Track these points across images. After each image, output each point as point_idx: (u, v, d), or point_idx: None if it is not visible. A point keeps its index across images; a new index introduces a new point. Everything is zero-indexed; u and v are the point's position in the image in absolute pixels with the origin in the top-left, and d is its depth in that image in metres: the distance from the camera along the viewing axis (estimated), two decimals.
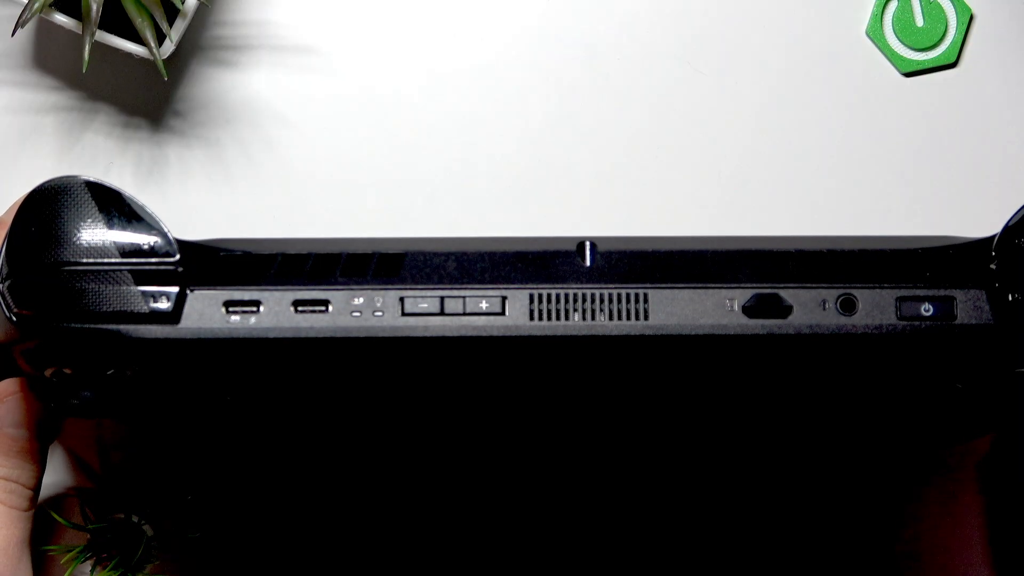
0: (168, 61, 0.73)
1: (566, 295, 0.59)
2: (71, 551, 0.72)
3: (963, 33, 0.78)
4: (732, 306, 0.59)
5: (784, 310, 0.59)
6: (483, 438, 0.74)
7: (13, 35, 0.71)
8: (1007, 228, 0.61)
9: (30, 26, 0.77)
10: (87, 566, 0.73)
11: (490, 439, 0.74)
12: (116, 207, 0.60)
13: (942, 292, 0.60)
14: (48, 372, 0.61)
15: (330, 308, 0.59)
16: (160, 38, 0.72)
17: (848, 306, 0.59)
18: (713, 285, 0.60)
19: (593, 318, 0.59)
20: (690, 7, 0.78)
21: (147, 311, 0.59)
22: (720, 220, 0.77)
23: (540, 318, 0.59)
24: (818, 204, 0.77)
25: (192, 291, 0.59)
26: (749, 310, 0.59)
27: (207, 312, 0.59)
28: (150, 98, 0.77)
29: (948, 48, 0.78)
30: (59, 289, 0.58)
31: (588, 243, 0.60)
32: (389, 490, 0.75)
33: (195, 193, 0.77)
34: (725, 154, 0.78)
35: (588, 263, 0.60)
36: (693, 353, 0.60)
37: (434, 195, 0.77)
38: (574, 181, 0.77)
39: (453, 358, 0.60)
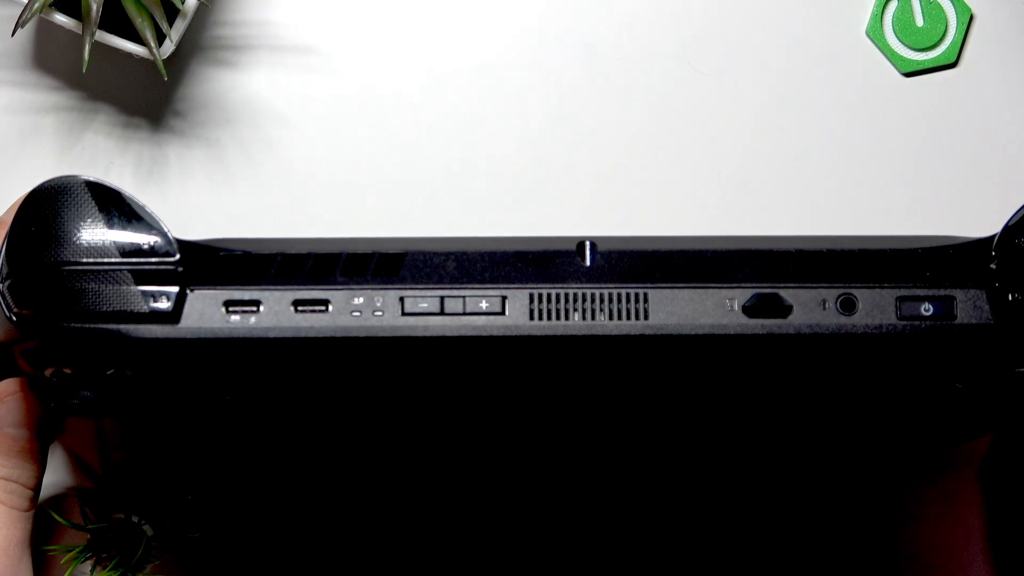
0: (168, 61, 0.73)
1: (566, 295, 0.59)
2: (71, 551, 0.72)
3: (963, 33, 0.78)
4: (732, 306, 0.59)
5: (784, 310, 0.59)
6: (483, 438, 0.74)
7: (13, 35, 0.71)
8: (1007, 228, 0.61)
9: (30, 26, 0.77)
10: (87, 566, 0.73)
11: (490, 439, 0.74)
12: (116, 207, 0.60)
13: (942, 292, 0.60)
14: (48, 372, 0.61)
15: (330, 308, 0.59)
16: (160, 38, 0.72)
17: (848, 306, 0.59)
18: (713, 285, 0.60)
19: (593, 318, 0.59)
20: (690, 7, 0.78)
21: (147, 311, 0.59)
22: (720, 220, 0.77)
23: (540, 318, 0.59)
24: (818, 204, 0.77)
25: (192, 291, 0.59)
26: (749, 310, 0.59)
27: (207, 312, 0.59)
28: (150, 98, 0.77)
29: (948, 48, 0.78)
30: (59, 289, 0.58)
31: (588, 243, 0.60)
32: (389, 490, 0.75)
33: (195, 193, 0.77)
34: (725, 154, 0.78)
35: (588, 263, 0.60)
36: (693, 353, 0.60)
37: (434, 195, 0.77)
38: (574, 181, 0.77)
39: (453, 358, 0.60)
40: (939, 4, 0.78)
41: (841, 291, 0.60)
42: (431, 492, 0.75)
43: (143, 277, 0.59)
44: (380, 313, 0.59)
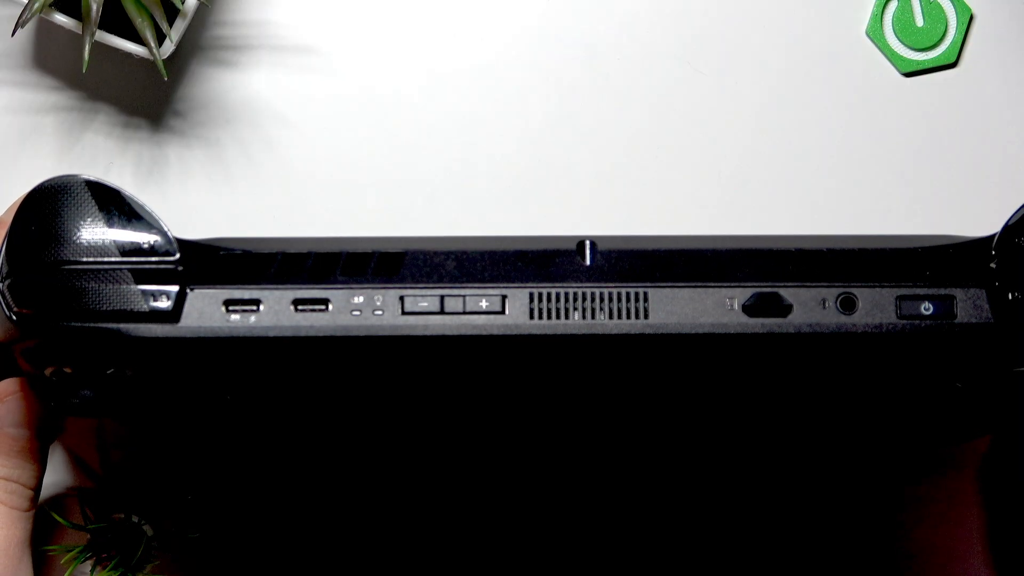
0: (168, 61, 0.73)
1: (566, 294, 0.59)
2: (71, 551, 0.72)
3: (963, 33, 0.78)
4: (732, 305, 0.59)
5: (784, 309, 0.59)
6: (483, 437, 0.74)
7: (13, 35, 0.71)
8: (1007, 227, 0.61)
9: (30, 26, 0.77)
10: (87, 566, 0.73)
11: (490, 438, 0.74)
12: (116, 206, 0.60)
13: (942, 291, 0.60)
14: (48, 371, 0.61)
15: (330, 307, 0.59)
16: (160, 38, 0.72)
17: (848, 305, 0.59)
18: (713, 284, 0.60)
19: (593, 317, 0.59)
20: (690, 7, 0.78)
21: (147, 310, 0.59)
22: (720, 220, 0.77)
23: (540, 317, 0.59)
24: (818, 204, 0.77)
25: (192, 290, 0.59)
26: (749, 309, 0.59)
27: (207, 311, 0.59)
28: (150, 98, 0.77)
29: (948, 48, 0.78)
30: (59, 288, 0.58)
31: (588, 242, 0.60)
32: (389, 489, 0.75)
33: (195, 193, 0.77)
34: (725, 154, 0.78)
35: (588, 262, 0.60)
36: (693, 352, 0.60)
37: (434, 195, 0.77)
38: (574, 181, 0.77)
39: (453, 357, 0.60)
40: (939, 4, 0.78)
41: (841, 290, 0.60)
42: (431, 492, 0.75)
43: (143, 276, 0.59)
44: (380, 312, 0.59)
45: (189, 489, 0.75)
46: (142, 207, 0.60)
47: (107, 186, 0.60)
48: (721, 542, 0.76)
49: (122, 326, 0.58)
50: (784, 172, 0.78)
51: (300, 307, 0.59)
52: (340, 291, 0.59)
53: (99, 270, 0.59)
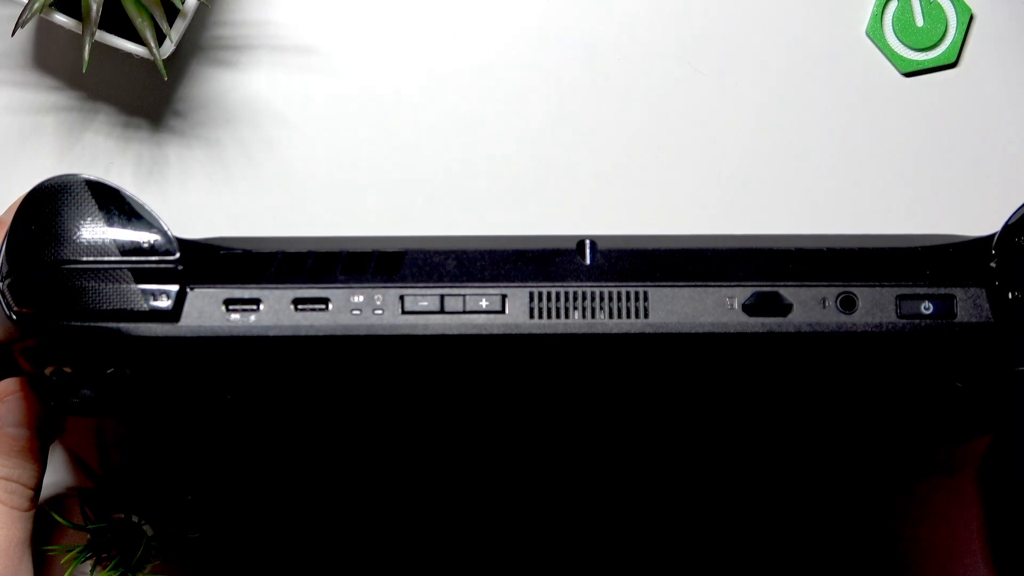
0: (168, 61, 0.73)
1: (566, 293, 0.59)
2: (71, 551, 0.72)
3: (963, 33, 0.78)
4: (732, 304, 0.59)
5: (784, 308, 0.59)
6: (483, 436, 0.74)
7: (13, 35, 0.71)
8: (1007, 226, 0.61)
9: (30, 26, 0.77)
10: (87, 566, 0.73)
11: (490, 437, 0.74)
12: (116, 205, 0.60)
13: (942, 290, 0.60)
14: (48, 370, 0.61)
15: (330, 306, 0.59)
16: (160, 38, 0.72)
17: (848, 304, 0.59)
18: (713, 283, 0.60)
19: (593, 316, 0.59)
20: (690, 7, 0.78)
21: (147, 309, 0.59)
22: (720, 220, 0.77)
23: (540, 316, 0.59)
24: (818, 204, 0.77)
25: (192, 289, 0.59)
26: (749, 308, 0.59)
27: (207, 310, 0.59)
28: (150, 98, 0.77)
29: (948, 48, 0.78)
30: (59, 287, 0.58)
31: (588, 241, 0.60)
32: (389, 489, 0.75)
33: (195, 193, 0.77)
34: (725, 154, 0.78)
35: (588, 261, 0.60)
36: (693, 351, 0.60)
37: (434, 195, 0.77)
38: (574, 181, 0.77)
39: (453, 356, 0.60)
40: (939, 4, 0.78)
41: (841, 289, 0.60)
42: (431, 491, 0.75)
43: (143, 275, 0.59)
44: (380, 312, 0.59)
45: (189, 489, 0.75)
46: (142, 206, 0.60)
47: (107, 185, 0.60)
48: (721, 541, 0.76)
49: (122, 325, 0.58)
50: (784, 172, 0.78)
51: (300, 306, 0.59)
52: (340, 290, 0.59)
53: (99, 269, 0.59)
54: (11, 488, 0.67)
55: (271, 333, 0.59)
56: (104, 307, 0.58)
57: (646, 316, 0.59)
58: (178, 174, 0.77)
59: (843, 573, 0.76)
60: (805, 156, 0.78)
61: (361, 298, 0.59)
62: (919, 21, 0.78)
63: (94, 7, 0.70)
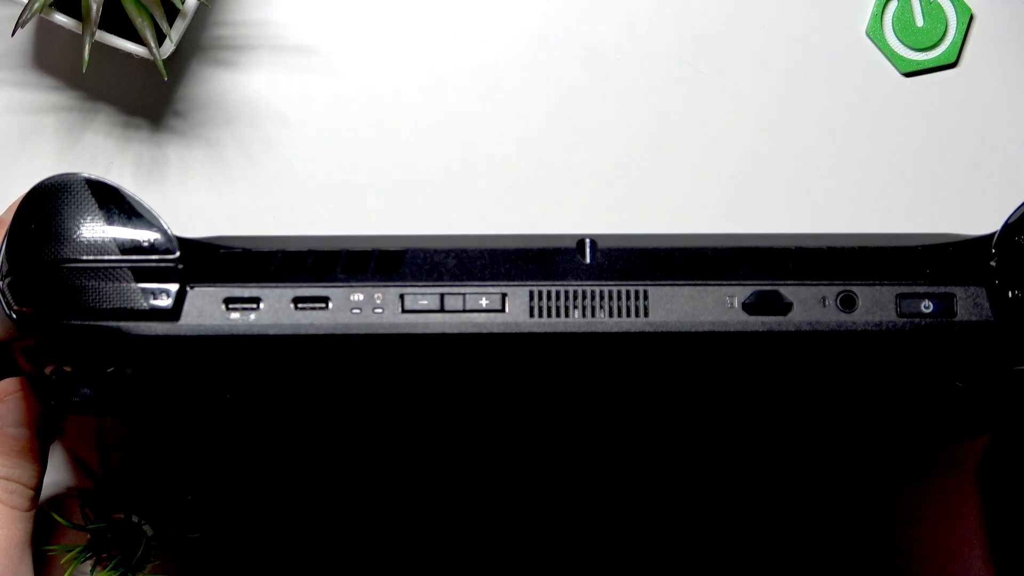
0: (168, 61, 0.73)
1: (566, 292, 0.59)
2: (71, 551, 0.72)
3: (963, 33, 0.78)
4: (732, 303, 0.59)
5: (784, 307, 0.59)
6: (483, 435, 0.74)
7: (13, 35, 0.71)
8: (1007, 225, 0.61)
9: (30, 26, 0.77)
10: (87, 566, 0.73)
11: (490, 436, 0.74)
12: (116, 204, 0.60)
13: (942, 289, 0.60)
14: (48, 370, 0.61)
15: (330, 305, 0.59)
16: (160, 38, 0.72)
17: (848, 303, 0.59)
18: (713, 282, 0.60)
19: (593, 315, 0.59)
20: (690, 7, 0.78)
21: (147, 308, 0.59)
22: (720, 220, 0.77)
23: (540, 315, 0.59)
24: (818, 204, 0.77)
25: (192, 288, 0.59)
26: (749, 307, 0.59)
27: (207, 309, 0.59)
28: (150, 98, 0.77)
29: (948, 48, 0.78)
30: (59, 286, 0.58)
31: (588, 240, 0.60)
32: (389, 488, 0.75)
33: (195, 193, 0.77)
34: (725, 154, 0.78)
35: (588, 260, 0.60)
36: (693, 350, 0.60)
37: (434, 195, 0.77)
38: (574, 181, 0.77)
39: (453, 355, 0.60)
40: (939, 4, 0.78)
41: (841, 288, 0.60)
42: (431, 490, 0.75)
43: (143, 274, 0.59)
44: (380, 310, 0.59)
45: (189, 489, 0.75)
46: (142, 205, 0.60)
47: (107, 184, 0.60)
48: (720, 540, 0.76)
49: (122, 324, 0.58)
50: (784, 172, 0.78)
51: (300, 305, 0.59)
52: (340, 289, 0.59)
53: (99, 268, 0.59)
54: (11, 488, 0.67)
55: (271, 332, 0.59)
56: (104, 306, 0.58)
57: (646, 315, 0.59)
58: (178, 174, 0.77)
59: (843, 573, 0.76)
60: (805, 156, 0.78)
61: (361, 297, 0.59)
62: (919, 21, 0.78)
63: (94, 7, 0.70)
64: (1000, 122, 0.78)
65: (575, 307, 0.59)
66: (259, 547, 0.76)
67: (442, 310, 0.59)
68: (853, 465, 0.76)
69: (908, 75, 0.78)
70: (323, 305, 0.59)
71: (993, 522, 0.75)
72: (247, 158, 0.77)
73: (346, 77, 0.78)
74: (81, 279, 0.58)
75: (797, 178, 0.77)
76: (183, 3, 0.71)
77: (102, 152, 0.77)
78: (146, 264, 0.59)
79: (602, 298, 0.59)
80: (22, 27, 0.70)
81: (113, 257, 0.59)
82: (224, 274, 0.59)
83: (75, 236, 0.59)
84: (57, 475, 0.75)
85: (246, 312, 0.59)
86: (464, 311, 0.59)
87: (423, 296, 0.59)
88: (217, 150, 0.77)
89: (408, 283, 0.59)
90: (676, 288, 0.59)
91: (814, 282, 0.60)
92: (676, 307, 0.59)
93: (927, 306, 0.59)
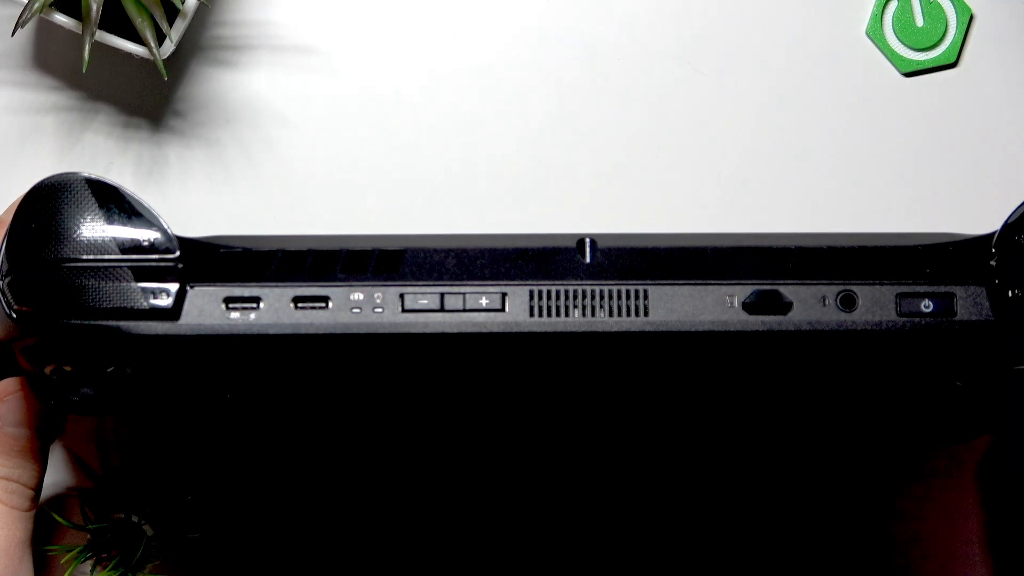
0: (168, 61, 0.73)
1: (566, 292, 0.59)
2: (71, 551, 0.72)
3: (963, 33, 0.78)
4: (732, 302, 0.59)
5: (784, 306, 0.59)
6: (483, 435, 0.74)
7: (13, 35, 0.71)
8: (1007, 225, 0.61)
9: (30, 26, 0.77)
10: (87, 566, 0.73)
11: (490, 436, 0.74)
12: (116, 203, 0.60)
13: (942, 289, 0.60)
14: (48, 369, 0.61)
15: (330, 304, 0.59)
16: (160, 38, 0.72)
17: (848, 302, 0.59)
18: (713, 281, 0.60)
19: (593, 315, 0.59)
20: (690, 7, 0.78)
21: (147, 307, 0.59)
22: (720, 220, 0.77)
23: (540, 315, 0.59)
24: (818, 204, 0.77)
25: (192, 287, 0.59)
26: (749, 306, 0.59)
27: (207, 308, 0.59)
28: (150, 98, 0.77)
29: (948, 48, 0.78)
30: (59, 285, 0.58)
31: (588, 240, 0.60)
32: (389, 488, 0.75)
33: (195, 193, 0.77)
34: (725, 154, 0.78)
35: (588, 260, 0.60)
36: (693, 349, 0.60)
37: (434, 195, 0.77)
38: (574, 181, 0.77)
39: (453, 355, 0.60)
40: (939, 4, 0.78)
41: (841, 288, 0.60)
42: (431, 490, 0.75)
43: (143, 274, 0.59)
44: (380, 310, 0.59)
45: (189, 489, 0.75)
46: (142, 204, 0.60)
47: (107, 184, 0.60)
48: (721, 540, 0.76)
49: (122, 324, 0.58)
50: (784, 172, 0.78)
51: (300, 304, 0.59)
52: (340, 289, 0.59)
53: (99, 267, 0.59)
54: (11, 488, 0.67)
55: (271, 331, 0.59)
56: (104, 305, 0.58)
57: (646, 314, 0.59)
58: (178, 174, 0.77)
59: (843, 573, 0.76)
60: (805, 156, 0.78)
61: (361, 296, 0.59)
62: (919, 21, 0.78)
63: (94, 7, 0.70)
64: (1000, 122, 0.78)
65: (575, 307, 0.59)
66: (259, 547, 0.76)
67: (442, 310, 0.59)
68: (853, 465, 0.76)
69: (908, 75, 0.78)
70: (323, 305, 0.59)
71: (993, 522, 0.75)
72: (247, 158, 0.77)
73: (346, 77, 0.78)
74: (81, 278, 0.58)
75: (797, 178, 0.78)
76: (183, 3, 0.71)
77: (102, 152, 0.77)
78: (146, 263, 0.59)
79: (602, 297, 0.59)
80: (22, 27, 0.70)
81: (113, 256, 0.59)
82: (224, 274, 0.59)
83: (75, 235, 0.59)
84: (57, 475, 0.75)
85: (246, 312, 0.59)
86: (464, 311, 0.59)
87: (423, 296, 0.59)
88: (217, 150, 0.77)
89: (408, 283, 0.59)
90: (676, 288, 0.59)
91: (814, 282, 0.60)
92: (676, 307, 0.59)
93: (927, 306, 0.59)
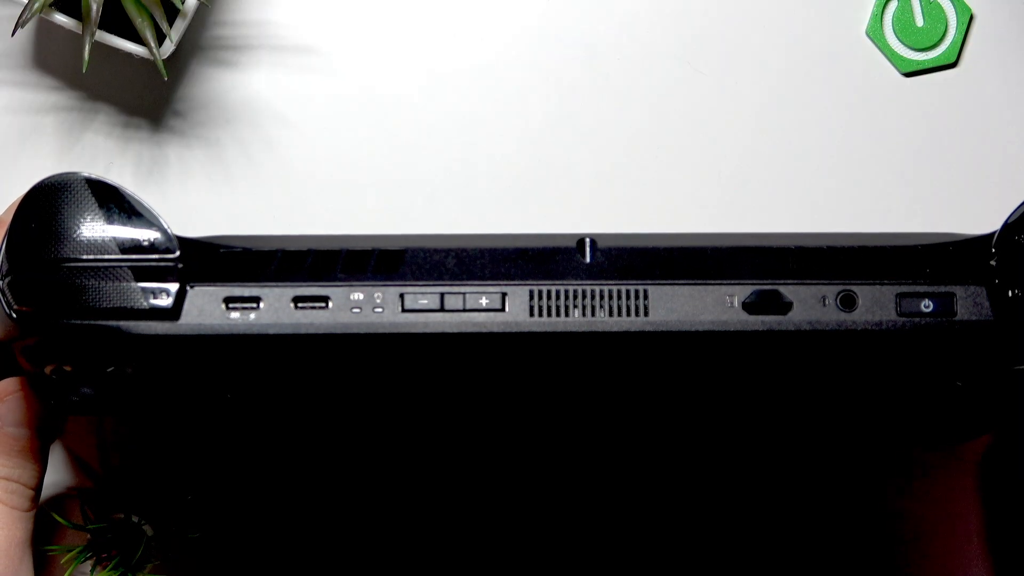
0: (168, 61, 0.73)
1: (566, 291, 0.59)
2: (71, 551, 0.72)
3: (963, 33, 0.78)
4: (732, 302, 0.59)
5: (784, 306, 0.59)
6: (483, 435, 0.74)
7: (13, 35, 0.71)
8: (1007, 225, 0.61)
9: (30, 26, 0.77)
10: (87, 566, 0.73)
11: (490, 436, 0.74)
12: (116, 203, 0.60)
13: (942, 288, 0.60)
14: (48, 369, 0.61)
15: (330, 304, 0.59)
16: (160, 38, 0.72)
17: (848, 302, 0.59)
18: (713, 281, 0.60)
19: (593, 314, 0.59)
20: (690, 7, 0.78)
21: (147, 307, 0.59)
22: (720, 220, 0.77)
23: (540, 314, 0.59)
24: (818, 204, 0.77)
25: (192, 287, 0.59)
26: (749, 306, 0.59)
27: (207, 308, 0.59)
28: (150, 98, 0.77)
29: (948, 48, 0.78)
30: (59, 285, 0.58)
31: (588, 240, 0.60)
32: (389, 487, 0.75)
33: (195, 193, 0.77)
34: (725, 154, 0.78)
35: (588, 260, 0.60)
36: (693, 349, 0.60)
37: (434, 195, 0.77)
38: (574, 181, 0.77)
39: (453, 354, 0.60)
40: (939, 4, 0.78)
41: (841, 287, 0.60)
42: (431, 490, 0.75)
43: (143, 273, 0.59)
44: (380, 310, 0.59)
45: (189, 489, 0.75)
46: (142, 204, 0.60)
47: (107, 183, 0.60)
48: (721, 540, 0.76)
49: (122, 323, 0.58)
50: (784, 172, 0.78)
51: (300, 304, 0.59)
52: (340, 288, 0.59)
53: (99, 267, 0.59)
54: (11, 488, 0.67)
55: (271, 331, 0.59)
56: (104, 305, 0.58)
57: (646, 314, 0.59)
58: (178, 174, 0.77)
59: (843, 572, 0.76)
60: (805, 156, 0.78)
61: (361, 296, 0.59)
62: (919, 21, 0.78)
63: (94, 7, 0.70)
64: (1000, 122, 0.78)
65: (575, 306, 0.59)
66: (259, 547, 0.76)
67: (442, 309, 0.59)
68: (853, 464, 0.76)
69: (908, 75, 0.78)
70: (323, 304, 0.59)
71: (993, 522, 0.75)
72: (247, 158, 0.77)
73: (346, 77, 0.78)
74: (81, 278, 0.58)
75: (797, 178, 0.78)
76: (183, 3, 0.71)
77: (102, 152, 0.77)
78: (146, 263, 0.59)
79: (602, 297, 0.59)
80: (22, 27, 0.70)
81: (113, 256, 0.59)
82: (224, 273, 0.59)
83: (75, 235, 0.59)
84: (57, 475, 0.75)
85: (246, 311, 0.59)
86: (464, 310, 0.59)
87: (423, 295, 0.59)
88: (217, 150, 0.77)
89: (408, 282, 0.59)
90: (676, 287, 0.59)
91: (814, 281, 0.60)
92: (676, 306, 0.59)
93: (927, 305, 0.59)
